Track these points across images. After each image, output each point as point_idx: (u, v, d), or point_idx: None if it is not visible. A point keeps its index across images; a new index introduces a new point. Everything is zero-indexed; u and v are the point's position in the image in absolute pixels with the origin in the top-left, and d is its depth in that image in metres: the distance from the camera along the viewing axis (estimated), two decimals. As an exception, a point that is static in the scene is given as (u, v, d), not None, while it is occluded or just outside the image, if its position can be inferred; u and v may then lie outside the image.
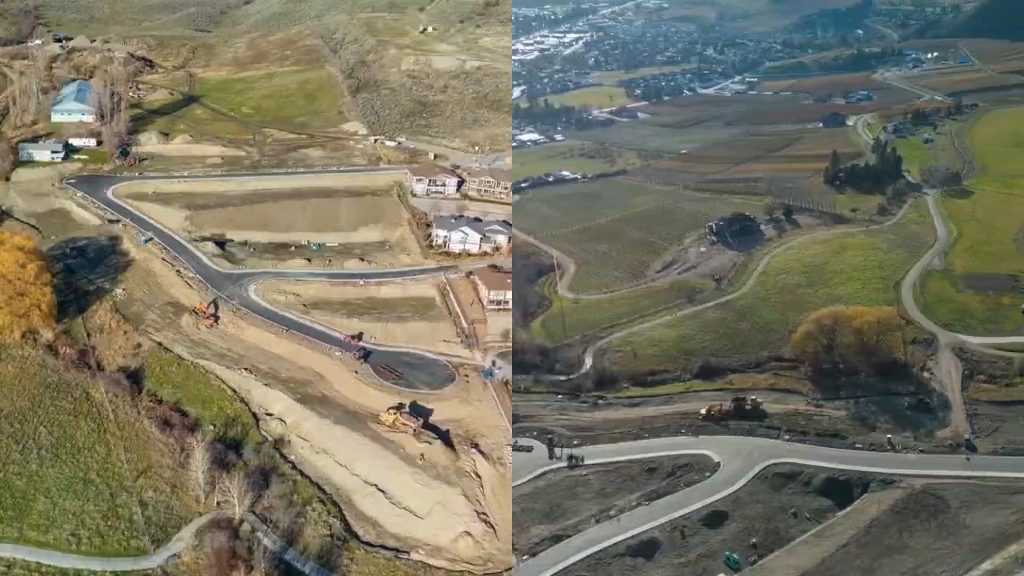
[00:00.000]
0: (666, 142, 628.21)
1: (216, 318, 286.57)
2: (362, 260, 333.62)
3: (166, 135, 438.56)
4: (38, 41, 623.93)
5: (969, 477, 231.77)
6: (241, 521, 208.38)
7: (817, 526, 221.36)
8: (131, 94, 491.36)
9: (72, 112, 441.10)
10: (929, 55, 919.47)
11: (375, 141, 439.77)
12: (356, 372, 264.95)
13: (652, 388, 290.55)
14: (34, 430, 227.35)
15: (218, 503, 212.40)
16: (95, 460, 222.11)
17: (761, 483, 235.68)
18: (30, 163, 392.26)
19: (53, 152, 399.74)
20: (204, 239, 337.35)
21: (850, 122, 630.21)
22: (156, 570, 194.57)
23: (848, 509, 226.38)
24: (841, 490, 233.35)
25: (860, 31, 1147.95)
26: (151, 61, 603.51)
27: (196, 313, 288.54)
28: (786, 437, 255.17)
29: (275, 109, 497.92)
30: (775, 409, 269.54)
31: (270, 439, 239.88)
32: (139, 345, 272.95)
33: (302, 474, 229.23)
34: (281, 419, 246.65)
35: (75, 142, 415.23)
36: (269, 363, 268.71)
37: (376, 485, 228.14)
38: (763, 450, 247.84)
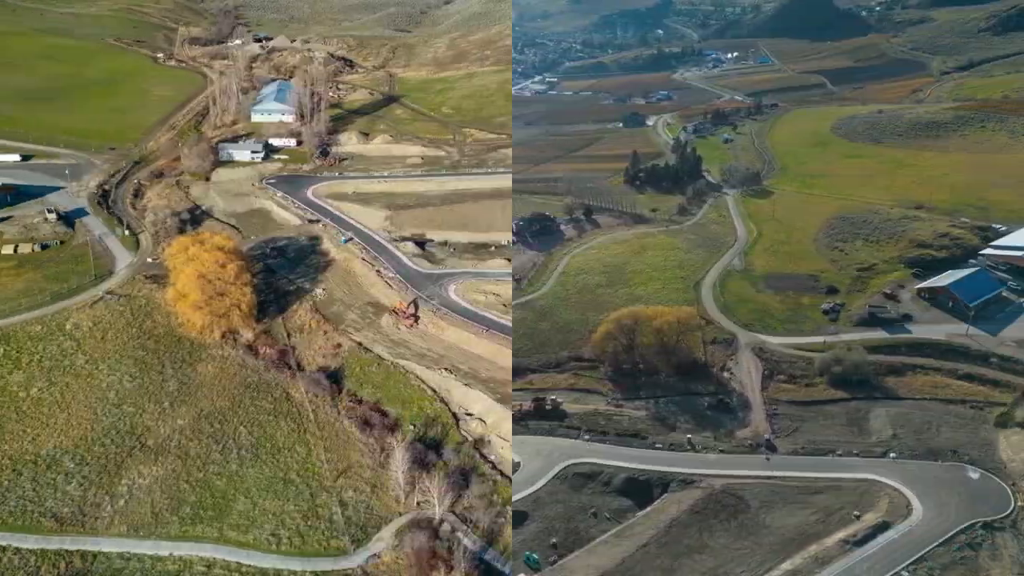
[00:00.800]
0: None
1: (416, 318, 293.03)
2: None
3: (366, 135, 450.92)
4: (238, 41, 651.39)
5: (769, 477, 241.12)
6: (441, 521, 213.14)
7: (617, 526, 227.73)
8: (331, 94, 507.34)
9: (272, 112, 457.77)
10: (729, 55, 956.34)
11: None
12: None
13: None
14: (234, 430, 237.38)
15: (418, 503, 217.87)
16: (295, 460, 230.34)
17: (561, 483, 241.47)
18: (230, 163, 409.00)
19: (253, 152, 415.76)
20: (404, 239, 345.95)
21: (650, 122, 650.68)
22: (356, 570, 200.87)
23: (648, 509, 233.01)
24: (641, 490, 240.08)
25: (660, 31, 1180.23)
26: (351, 61, 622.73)
27: (396, 313, 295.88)
28: (586, 437, 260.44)
29: (475, 109, 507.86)
30: (575, 409, 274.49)
31: (470, 439, 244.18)
32: (339, 345, 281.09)
33: (502, 474, 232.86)
34: (481, 419, 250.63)
35: (275, 142, 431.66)
36: (469, 363, 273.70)
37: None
38: (563, 450, 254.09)
